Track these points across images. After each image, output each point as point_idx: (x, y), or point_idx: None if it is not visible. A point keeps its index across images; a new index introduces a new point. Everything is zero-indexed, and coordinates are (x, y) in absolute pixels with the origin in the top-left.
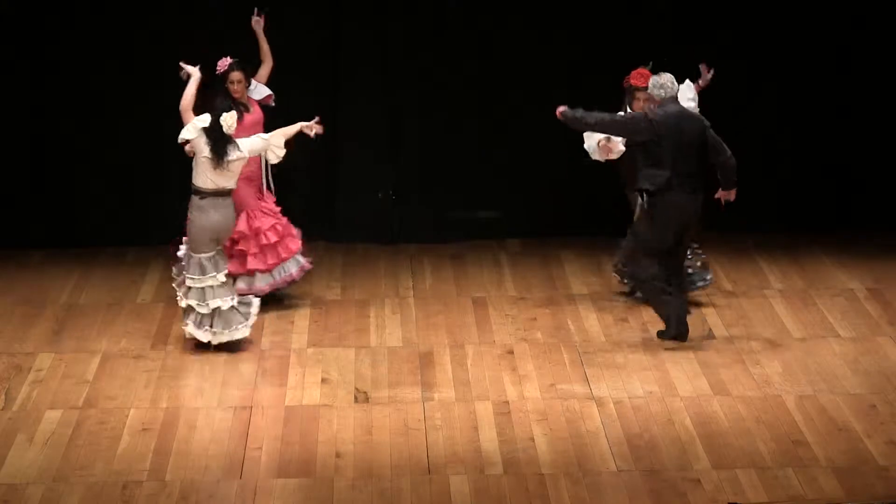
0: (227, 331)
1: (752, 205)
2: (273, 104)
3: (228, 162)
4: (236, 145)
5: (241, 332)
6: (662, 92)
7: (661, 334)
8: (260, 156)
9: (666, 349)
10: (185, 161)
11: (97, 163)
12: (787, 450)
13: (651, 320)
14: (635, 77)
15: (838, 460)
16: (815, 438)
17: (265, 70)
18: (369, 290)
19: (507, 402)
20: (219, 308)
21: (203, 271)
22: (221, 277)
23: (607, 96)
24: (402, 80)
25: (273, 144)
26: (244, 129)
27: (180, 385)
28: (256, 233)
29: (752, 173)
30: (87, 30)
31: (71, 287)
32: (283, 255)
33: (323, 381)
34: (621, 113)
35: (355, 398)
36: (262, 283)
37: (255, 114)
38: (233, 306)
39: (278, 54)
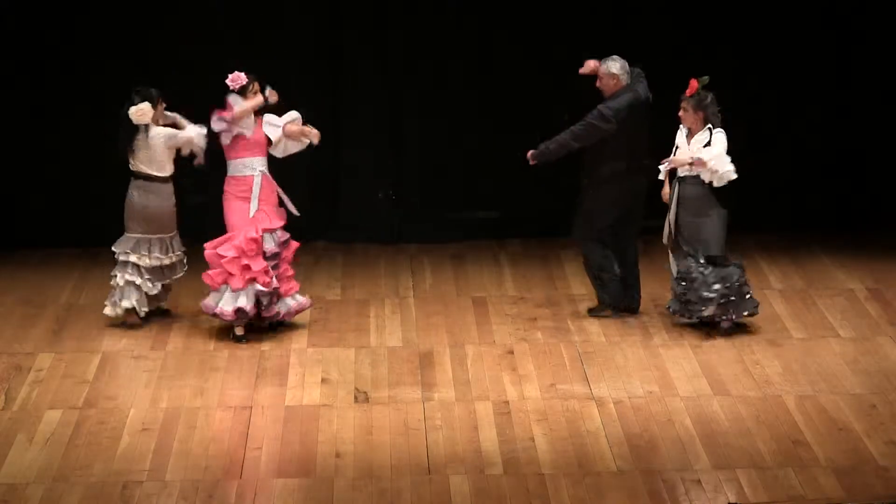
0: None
1: (753, 205)
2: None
3: (134, 149)
4: (145, 131)
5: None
6: (626, 76)
7: (590, 311)
8: (252, 176)
9: (666, 349)
10: (184, 161)
11: (97, 163)
12: (787, 450)
13: (650, 320)
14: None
15: (838, 460)
16: (815, 438)
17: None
18: (369, 290)
19: (507, 402)
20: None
21: (134, 249)
22: (146, 262)
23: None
24: (402, 80)
25: (196, 141)
26: (238, 145)
27: (180, 385)
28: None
29: (753, 173)
30: (88, 30)
31: (71, 287)
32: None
33: (323, 381)
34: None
35: (355, 398)
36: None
37: (255, 132)
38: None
39: (278, 54)
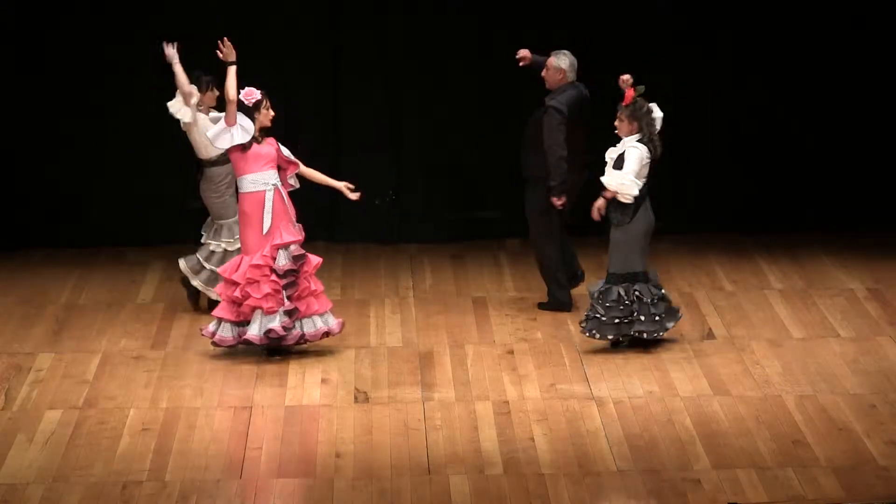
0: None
1: (752, 205)
2: (293, 184)
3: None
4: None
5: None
6: (573, 74)
7: (541, 306)
8: (264, 191)
9: (666, 349)
10: (185, 162)
11: (98, 163)
12: (787, 450)
13: None
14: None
15: (838, 460)
16: (815, 438)
17: (313, 174)
18: (369, 290)
19: (507, 402)
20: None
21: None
22: (210, 247)
23: (606, 96)
24: (402, 79)
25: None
26: (248, 158)
27: (180, 385)
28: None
29: (753, 173)
30: (88, 30)
31: (71, 287)
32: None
33: (323, 381)
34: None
35: (355, 398)
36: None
37: (265, 146)
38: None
39: (278, 55)
